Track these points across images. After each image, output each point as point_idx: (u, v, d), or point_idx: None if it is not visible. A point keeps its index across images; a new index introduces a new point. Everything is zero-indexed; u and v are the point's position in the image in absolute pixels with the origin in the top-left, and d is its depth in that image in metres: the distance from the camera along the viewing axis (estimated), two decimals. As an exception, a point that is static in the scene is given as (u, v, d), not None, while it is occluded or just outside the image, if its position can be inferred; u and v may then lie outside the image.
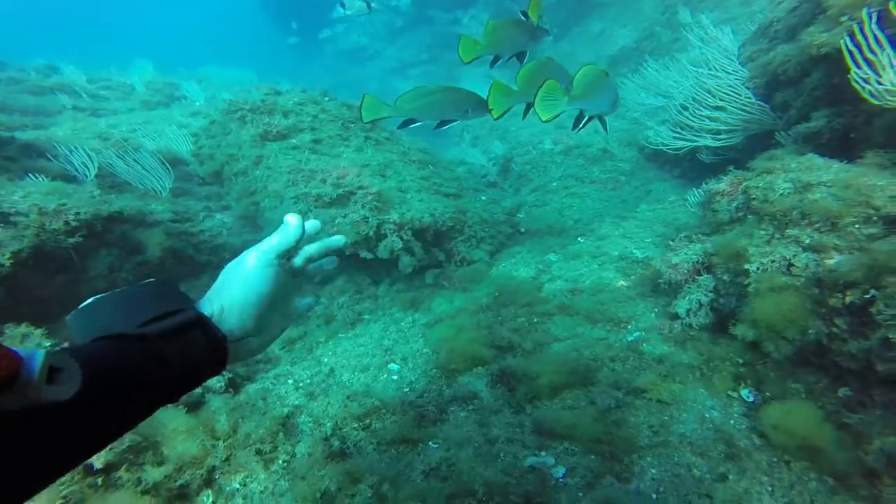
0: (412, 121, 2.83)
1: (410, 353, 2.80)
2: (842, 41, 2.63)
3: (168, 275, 3.14)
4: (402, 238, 3.77)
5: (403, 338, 3.03)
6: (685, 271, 2.67)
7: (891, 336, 1.89)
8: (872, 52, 2.57)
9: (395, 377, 2.54)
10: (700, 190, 3.28)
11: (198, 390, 2.11)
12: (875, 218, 2.17)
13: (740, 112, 3.52)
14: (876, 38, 2.57)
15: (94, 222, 2.67)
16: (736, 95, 3.51)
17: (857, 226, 2.19)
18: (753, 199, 2.73)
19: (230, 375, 2.30)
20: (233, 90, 11.79)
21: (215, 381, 2.21)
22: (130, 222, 2.90)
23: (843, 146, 3.03)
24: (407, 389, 2.40)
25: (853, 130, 2.97)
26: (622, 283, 3.24)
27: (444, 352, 2.69)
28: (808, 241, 2.30)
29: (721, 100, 3.55)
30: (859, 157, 2.64)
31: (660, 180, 5.09)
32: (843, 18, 2.78)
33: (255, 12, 20.00)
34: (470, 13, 11.25)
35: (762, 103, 3.48)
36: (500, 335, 2.85)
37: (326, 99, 5.51)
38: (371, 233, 3.72)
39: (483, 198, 5.48)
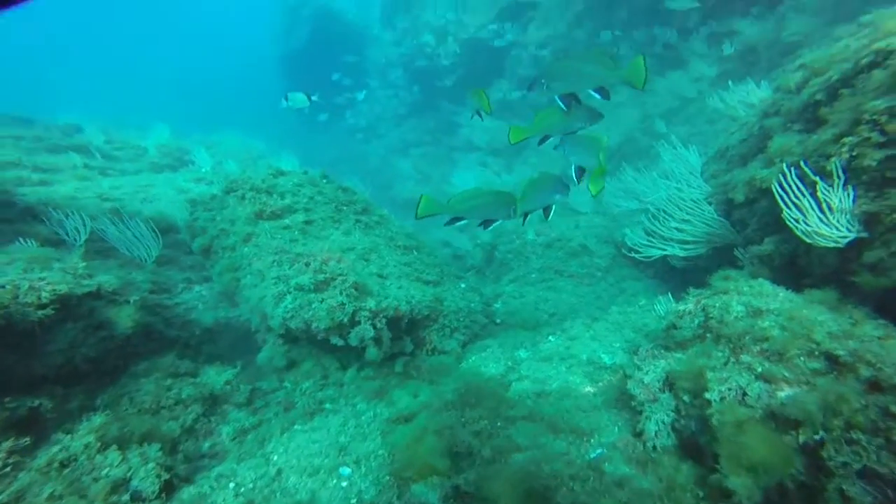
0: (459, 218, 2.93)
1: (366, 453, 2.70)
2: (773, 185, 2.84)
3: (133, 350, 3.10)
4: (374, 326, 3.77)
5: (361, 434, 2.93)
6: (655, 390, 2.67)
7: (845, 488, 1.85)
8: (797, 197, 2.78)
9: (344, 484, 2.42)
10: (667, 309, 3.35)
11: (126, 497, 1.99)
12: (817, 353, 2.21)
13: (704, 226, 3.69)
14: (797, 186, 2.79)
15: (68, 299, 2.69)
16: (700, 211, 3.69)
17: (801, 359, 2.23)
18: (711, 317, 2.80)
19: (167, 477, 2.20)
20: (239, 158, 12.33)
21: (149, 484, 2.10)
22: (105, 299, 2.92)
23: (791, 271, 3.16)
24: (354, 501, 2.28)
25: (798, 257, 3.11)
26: (589, 388, 3.20)
27: (400, 457, 2.60)
28: (759, 369, 2.33)
29: (687, 213, 3.74)
30: (805, 288, 2.75)
31: (634, 279, 5.19)
32: (777, 160, 3.01)
33: (280, 85, 21.40)
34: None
35: (723, 219, 3.66)
36: (461, 439, 2.77)
37: (325, 181, 5.74)
38: (346, 319, 3.72)
39: (463, 285, 5.55)
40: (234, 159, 12.30)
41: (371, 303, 3.91)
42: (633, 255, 4.35)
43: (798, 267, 3.05)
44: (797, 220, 2.86)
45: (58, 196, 6.17)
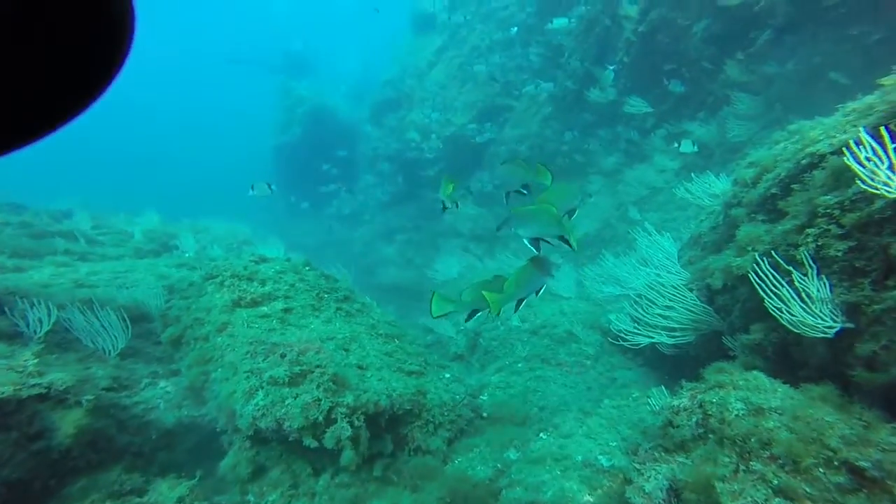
0: (476, 311, 2.94)
1: (336, 587, 2.28)
2: (750, 274, 2.82)
3: (72, 465, 2.70)
4: (352, 424, 3.44)
5: (333, 560, 2.50)
6: (658, 501, 2.38)
7: None
8: (775, 286, 2.76)
9: None
10: (662, 404, 3.15)
11: None
12: (836, 462, 2.01)
13: (688, 312, 3.61)
14: (775, 277, 2.78)
15: (6, 404, 2.37)
16: (682, 297, 3.63)
17: (820, 470, 2.02)
18: (710, 415, 2.60)
19: None
20: (225, 243, 12.25)
21: None
22: (52, 400, 2.60)
23: (785, 362, 3.04)
24: None
25: (789, 346, 3.01)
26: (587, 497, 2.86)
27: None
28: (775, 482, 2.10)
29: (670, 300, 3.67)
30: (801, 381, 2.61)
31: (624, 367, 4.99)
32: (748, 248, 3.03)
33: (270, 173, 22.07)
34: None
35: (706, 305, 3.59)
36: (446, 564, 2.38)
37: (307, 268, 5.61)
38: (321, 417, 3.39)
39: (447, 375, 5.25)
40: (220, 244, 12.21)
41: (349, 398, 3.61)
42: (620, 342, 4.20)
43: (792, 357, 2.93)
44: (780, 310, 2.80)
45: (29, 284, 5.88)
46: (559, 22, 9.43)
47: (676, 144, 5.48)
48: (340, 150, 17.65)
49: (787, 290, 2.83)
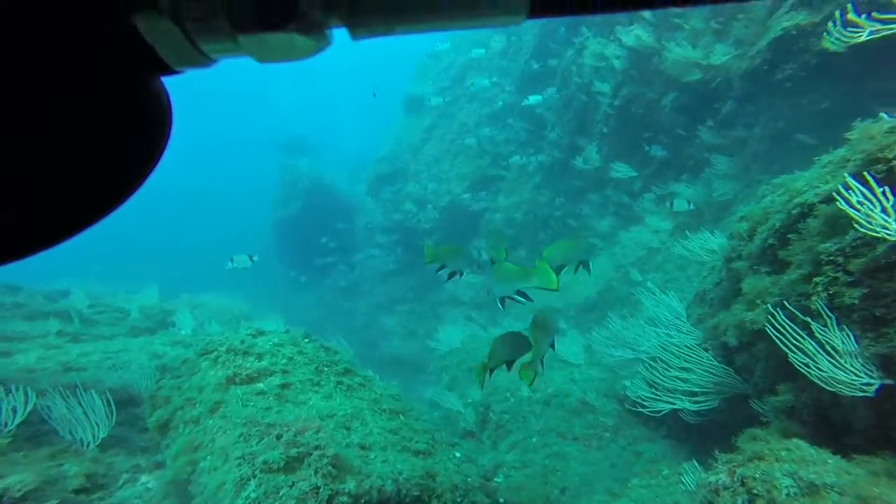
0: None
1: None
2: (767, 328, 2.66)
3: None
4: (355, 516, 3.03)
5: None
6: None
7: None
8: (798, 339, 2.58)
9: None
10: (697, 481, 2.82)
11: None
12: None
13: (707, 374, 3.36)
14: (794, 329, 2.62)
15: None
16: (698, 358, 3.41)
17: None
18: (757, 494, 2.29)
19: None
20: (223, 319, 11.91)
21: None
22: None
23: (826, 427, 2.77)
24: None
25: (826, 409, 2.75)
26: None
27: None
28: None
29: (685, 361, 3.44)
30: (849, 449, 2.34)
31: (647, 440, 4.60)
32: (757, 301, 2.88)
33: (270, 248, 22.19)
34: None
35: (725, 366, 3.36)
36: None
37: (306, 341, 5.35)
38: (319, 509, 2.99)
39: (457, 454, 4.81)
40: (218, 320, 11.88)
41: (351, 484, 3.22)
42: (638, 409, 3.87)
43: (832, 421, 2.66)
44: (807, 366, 2.59)
45: (11, 370, 5.54)
46: (534, 98, 9.99)
47: (669, 204, 5.52)
48: (339, 224, 17.89)
49: (811, 343, 2.64)
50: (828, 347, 2.59)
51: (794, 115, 5.33)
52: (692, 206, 5.26)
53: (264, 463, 3.18)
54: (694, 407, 3.34)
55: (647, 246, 7.11)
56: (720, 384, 3.32)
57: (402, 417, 4.75)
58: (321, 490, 3.10)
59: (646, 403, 3.73)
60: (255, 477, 3.21)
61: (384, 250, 15.05)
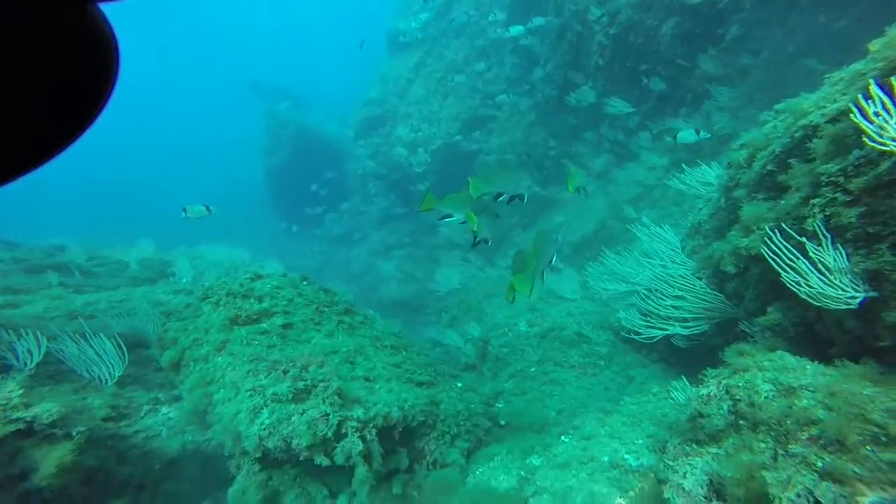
0: None
1: None
2: (762, 250, 2.67)
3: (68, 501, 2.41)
4: (364, 439, 3.18)
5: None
6: (700, 498, 2.16)
7: None
8: (791, 259, 2.61)
9: None
10: (687, 395, 2.94)
11: None
12: (884, 438, 1.82)
13: (700, 301, 3.44)
14: (789, 249, 2.63)
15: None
16: (691, 287, 3.46)
17: (868, 448, 1.82)
18: (739, 400, 2.41)
19: None
20: (223, 268, 11.91)
21: None
22: (37, 435, 2.33)
23: (811, 341, 2.87)
24: None
25: (812, 324, 2.84)
26: (620, 500, 2.63)
27: None
28: (820, 464, 1.90)
29: (679, 290, 3.50)
30: (833, 359, 2.43)
31: (639, 365, 4.79)
32: (754, 227, 2.87)
33: (263, 198, 21.83)
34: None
35: (717, 293, 3.42)
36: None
37: (304, 283, 5.38)
38: (330, 433, 3.14)
39: (459, 384, 5.01)
40: (217, 269, 11.88)
41: (359, 411, 3.36)
42: (633, 337, 4.00)
43: (818, 335, 2.75)
44: (798, 283, 2.63)
45: (22, 317, 5.57)
46: (515, 30, 9.42)
47: (672, 138, 5.36)
48: (329, 171, 17.50)
49: (804, 263, 2.67)
50: (820, 266, 2.62)
51: (807, 36, 5.06)
52: (703, 136, 5.02)
53: (274, 394, 3.29)
54: (685, 332, 3.44)
55: (643, 183, 7.03)
56: (712, 310, 3.40)
57: (404, 352, 4.88)
58: (331, 416, 3.24)
59: (640, 331, 3.83)
60: (266, 406, 3.33)
61: (377, 196, 14.85)
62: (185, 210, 6.34)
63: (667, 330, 3.51)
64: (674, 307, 3.48)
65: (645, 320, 3.93)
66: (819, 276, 2.63)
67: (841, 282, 2.61)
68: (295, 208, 18.54)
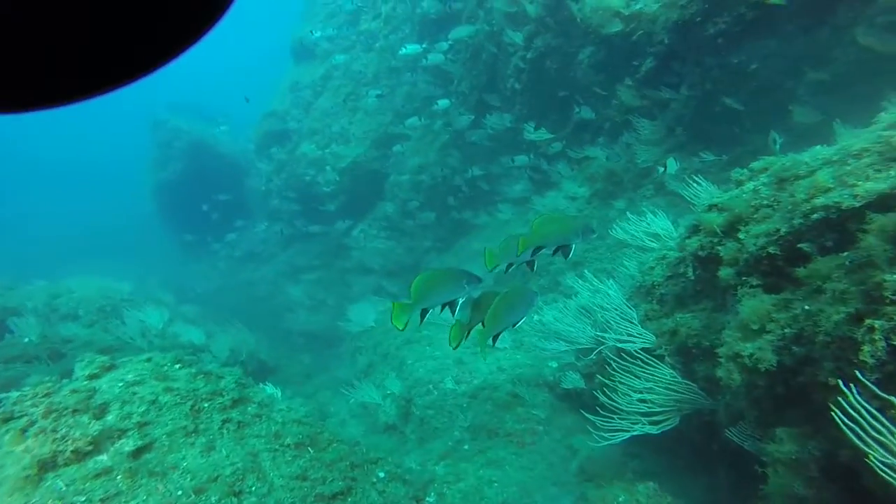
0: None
1: None
2: (835, 413, 1.79)
3: None
4: None
5: None
6: None
7: None
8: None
9: None
10: None
11: None
12: None
13: (669, 392, 2.81)
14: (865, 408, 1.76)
15: None
16: (660, 373, 2.82)
17: None
18: None
19: None
20: (93, 308, 9.37)
21: None
22: None
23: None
24: None
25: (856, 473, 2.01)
26: None
27: None
28: None
29: (647, 379, 2.84)
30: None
31: (581, 431, 4.14)
32: (755, 327, 2.22)
33: (154, 215, 18.51)
34: (359, 228, 11.07)
35: (687, 381, 2.82)
36: None
37: (177, 367, 3.95)
38: None
39: (381, 474, 3.96)
40: (87, 309, 9.35)
41: None
42: (599, 438, 3.12)
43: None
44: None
45: None
46: (411, 48, 8.59)
47: (662, 169, 4.82)
48: (227, 187, 15.16)
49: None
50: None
51: (723, 75, 4.83)
52: (675, 165, 4.59)
53: None
54: (657, 431, 2.77)
55: (563, 212, 6.56)
56: (682, 402, 2.77)
57: (311, 451, 3.72)
58: None
59: (607, 438, 2.95)
60: None
61: (282, 216, 13.06)
62: None
63: (632, 430, 2.82)
64: (641, 400, 2.80)
65: (606, 421, 3.12)
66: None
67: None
68: (192, 225, 15.85)
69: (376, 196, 10.92)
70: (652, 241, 3.74)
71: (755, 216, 2.44)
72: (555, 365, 4.89)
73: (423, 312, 2.28)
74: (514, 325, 2.57)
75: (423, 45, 8.57)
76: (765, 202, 2.40)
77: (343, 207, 11.32)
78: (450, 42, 8.13)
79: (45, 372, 6.24)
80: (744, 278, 2.37)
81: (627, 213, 4.88)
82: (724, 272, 2.49)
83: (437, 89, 9.53)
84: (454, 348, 2.52)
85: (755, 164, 2.68)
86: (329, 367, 8.69)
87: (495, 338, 2.47)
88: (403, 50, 8.51)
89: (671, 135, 5.52)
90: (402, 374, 5.71)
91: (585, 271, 4.06)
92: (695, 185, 4.14)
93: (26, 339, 7.34)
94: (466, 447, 4.17)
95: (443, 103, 8.38)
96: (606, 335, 3.54)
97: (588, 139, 7.02)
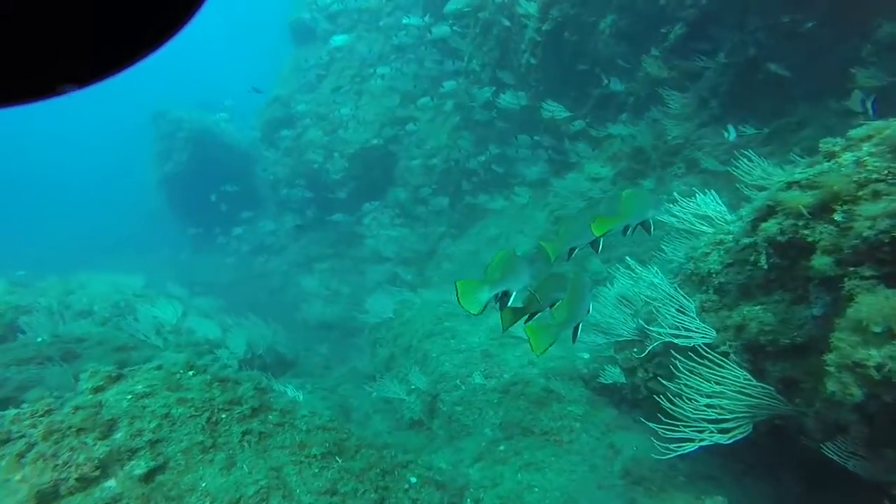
0: None
1: None
2: None
3: None
4: None
5: None
6: None
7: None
8: None
9: None
10: None
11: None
12: None
13: (742, 397, 2.40)
14: None
15: None
16: (730, 374, 2.42)
17: None
18: None
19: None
20: (108, 304, 9.10)
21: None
22: None
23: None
24: None
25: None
26: None
27: None
28: None
29: (716, 380, 2.44)
30: None
31: (621, 428, 3.80)
32: (876, 329, 1.80)
33: (164, 208, 18.16)
34: (370, 215, 10.63)
35: (763, 384, 2.41)
36: None
37: (191, 374, 3.60)
38: None
39: (413, 480, 3.65)
40: (102, 305, 9.08)
41: None
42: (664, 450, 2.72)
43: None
44: None
45: None
46: (439, 30, 8.01)
47: (726, 133, 4.33)
48: (234, 176, 14.68)
49: None
50: None
51: (769, 38, 4.28)
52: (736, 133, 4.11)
53: None
54: (727, 440, 2.40)
55: (586, 196, 6.07)
56: (756, 407, 2.38)
57: (338, 460, 3.39)
58: None
59: (672, 446, 2.56)
60: None
61: (292, 205, 12.63)
62: None
63: (700, 441, 2.43)
64: (709, 406, 2.41)
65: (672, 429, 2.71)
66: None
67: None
68: (201, 218, 15.48)
69: (387, 182, 10.46)
70: (702, 225, 3.28)
71: (861, 194, 1.99)
72: (587, 356, 4.52)
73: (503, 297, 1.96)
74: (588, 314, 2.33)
75: (427, 18, 7.98)
76: (875, 176, 1.95)
77: (353, 194, 10.87)
78: (455, 11, 7.53)
79: (59, 374, 5.94)
80: (850, 269, 1.93)
81: (658, 193, 4.42)
82: (820, 261, 2.06)
83: (447, 65, 8.92)
84: (503, 332, 2.34)
85: (854, 132, 2.22)
86: (348, 357, 8.40)
87: (574, 331, 2.27)
88: (406, 19, 7.92)
89: (704, 107, 4.98)
90: (425, 368, 5.37)
91: (627, 258, 3.62)
92: (744, 160, 3.66)
93: (39, 339, 7.06)
94: (502, 448, 3.83)
95: (450, 85, 7.84)
96: (654, 328, 3.14)
97: (610, 116, 6.47)
